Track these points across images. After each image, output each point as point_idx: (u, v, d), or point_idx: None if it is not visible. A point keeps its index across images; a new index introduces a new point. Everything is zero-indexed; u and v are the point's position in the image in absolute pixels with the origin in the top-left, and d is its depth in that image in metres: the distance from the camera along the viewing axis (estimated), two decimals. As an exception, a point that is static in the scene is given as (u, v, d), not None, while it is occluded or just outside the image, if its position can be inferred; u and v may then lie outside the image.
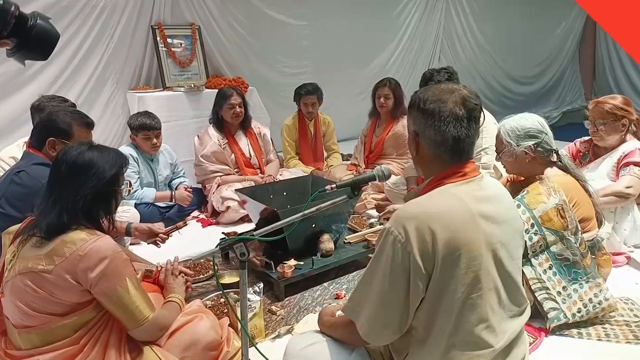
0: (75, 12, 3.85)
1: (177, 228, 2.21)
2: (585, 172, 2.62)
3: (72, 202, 1.34)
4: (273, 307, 2.16)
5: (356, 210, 3.27)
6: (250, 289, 1.93)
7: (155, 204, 3.13)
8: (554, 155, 2.00)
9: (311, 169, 3.92)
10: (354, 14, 5.49)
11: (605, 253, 2.15)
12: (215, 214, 3.33)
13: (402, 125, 3.58)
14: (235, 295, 2.04)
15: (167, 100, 3.94)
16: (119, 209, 1.77)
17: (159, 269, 1.85)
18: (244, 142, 3.54)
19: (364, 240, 2.66)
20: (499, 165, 2.58)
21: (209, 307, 2.04)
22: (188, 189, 3.27)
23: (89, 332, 1.35)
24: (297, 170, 3.77)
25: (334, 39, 5.41)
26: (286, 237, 2.23)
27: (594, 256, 2.03)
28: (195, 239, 2.92)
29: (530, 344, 1.81)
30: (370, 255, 2.64)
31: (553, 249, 1.90)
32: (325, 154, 4.19)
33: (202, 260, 2.59)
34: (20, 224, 1.43)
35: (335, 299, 2.26)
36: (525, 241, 1.83)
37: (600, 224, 2.11)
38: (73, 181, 1.36)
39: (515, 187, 2.06)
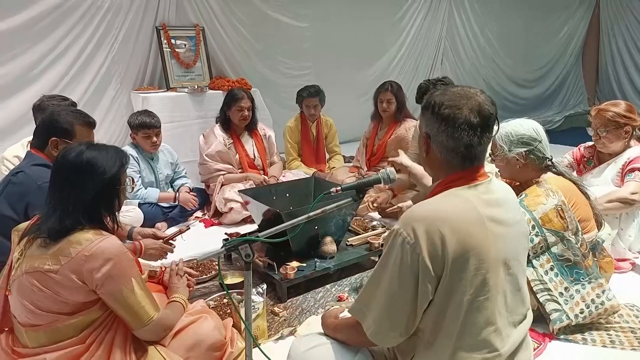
0: (80, 13, 3.87)
1: (181, 232, 2.21)
2: (590, 177, 2.62)
3: (73, 205, 1.34)
4: (275, 309, 2.17)
5: (358, 213, 3.27)
6: (254, 290, 1.93)
7: (159, 204, 3.14)
8: (547, 162, 1.98)
9: (313, 170, 3.93)
10: (356, 16, 5.51)
11: (607, 255, 2.15)
12: (217, 214, 3.34)
13: (404, 129, 3.59)
14: (239, 296, 2.05)
15: (170, 100, 3.96)
16: (123, 208, 1.78)
17: (163, 269, 1.86)
18: (249, 144, 3.57)
19: (366, 243, 2.67)
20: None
21: (212, 307, 2.05)
22: (192, 193, 3.29)
23: (95, 332, 1.36)
24: (299, 171, 3.78)
25: (336, 41, 5.43)
26: (289, 238, 2.25)
27: (595, 258, 2.04)
28: (198, 239, 2.92)
29: (535, 349, 1.81)
30: (372, 257, 2.65)
31: (554, 249, 1.91)
32: (327, 156, 4.21)
33: (204, 261, 2.60)
34: (28, 222, 1.44)
35: (337, 300, 2.26)
36: (527, 243, 1.84)
37: (599, 225, 2.11)
38: (73, 183, 1.36)
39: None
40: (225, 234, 2.73)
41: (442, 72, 6.42)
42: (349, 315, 1.33)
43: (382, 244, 2.62)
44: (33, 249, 1.34)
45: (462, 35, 6.55)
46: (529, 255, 1.87)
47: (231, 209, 3.22)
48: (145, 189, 3.11)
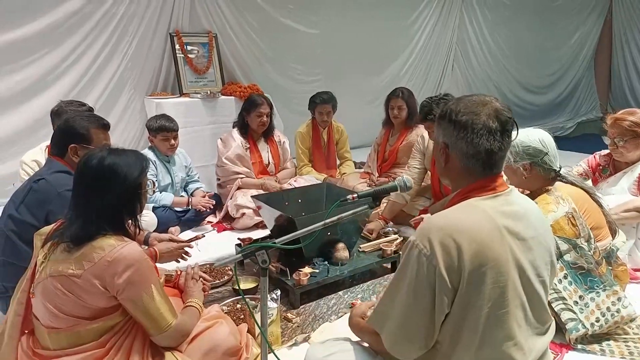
0: (95, 20, 3.93)
1: (197, 238, 2.24)
2: (605, 186, 2.60)
3: (96, 211, 1.36)
4: (289, 315, 2.17)
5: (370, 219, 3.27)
6: (268, 295, 1.94)
7: (173, 208, 3.17)
8: (553, 174, 1.95)
9: (324, 176, 3.94)
10: (367, 23, 5.52)
11: (622, 264, 2.13)
12: (228, 218, 3.36)
13: (416, 135, 3.58)
14: (252, 302, 2.06)
15: (184, 106, 4.00)
16: None
17: (179, 273, 1.87)
18: (264, 150, 3.62)
19: (379, 249, 2.67)
20: None
21: (225, 312, 2.05)
22: (207, 195, 3.32)
23: (114, 337, 1.38)
24: (310, 177, 3.79)
25: (347, 47, 5.44)
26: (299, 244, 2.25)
27: (610, 266, 2.01)
28: (210, 245, 2.94)
29: (553, 360, 1.80)
30: (384, 265, 2.65)
31: (567, 257, 1.89)
32: (337, 162, 4.21)
33: (216, 266, 2.61)
34: (52, 227, 1.46)
35: (350, 308, 2.26)
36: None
37: (614, 233, 2.08)
38: (96, 189, 1.38)
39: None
40: (239, 239, 2.75)
41: (453, 78, 6.41)
42: None
43: (395, 251, 2.62)
44: (57, 253, 1.36)
45: (473, 41, 6.54)
46: None
47: (243, 214, 3.25)
48: (160, 192, 3.14)
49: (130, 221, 1.44)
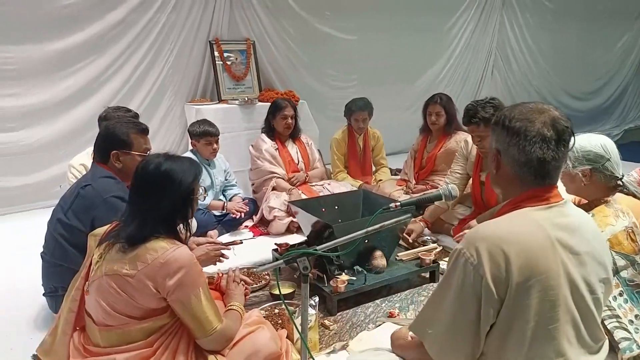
0: (139, 29, 4.08)
1: (235, 243, 2.26)
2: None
3: (151, 214, 1.41)
4: (326, 322, 2.16)
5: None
6: (309, 302, 1.93)
7: (212, 212, 3.23)
8: (615, 182, 1.86)
9: (359, 182, 3.91)
10: (404, 28, 5.48)
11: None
12: (264, 223, 3.38)
13: (455, 141, 3.51)
14: (291, 307, 2.05)
15: (222, 112, 4.08)
16: None
17: (220, 275, 1.90)
18: (293, 150, 3.68)
19: (417, 258, 2.61)
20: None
21: (263, 317, 2.06)
22: (244, 201, 3.37)
23: (162, 337, 1.41)
24: (345, 182, 3.78)
25: (382, 53, 5.42)
26: (340, 251, 2.24)
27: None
28: (246, 249, 2.96)
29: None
30: (422, 274, 2.59)
31: (623, 274, 1.79)
32: (373, 168, 4.18)
33: (254, 270, 2.63)
34: (106, 227, 1.52)
35: (388, 317, 2.22)
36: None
37: None
38: (153, 194, 1.43)
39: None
40: (275, 244, 2.76)
41: (493, 84, 6.27)
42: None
43: (434, 260, 2.57)
44: (112, 253, 1.41)
45: (513, 46, 6.38)
46: None
47: (275, 217, 3.27)
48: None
49: (181, 225, 1.48)
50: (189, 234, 1.51)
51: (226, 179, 3.50)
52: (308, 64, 5.01)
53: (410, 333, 1.38)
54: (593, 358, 1.18)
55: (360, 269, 2.40)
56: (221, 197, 3.44)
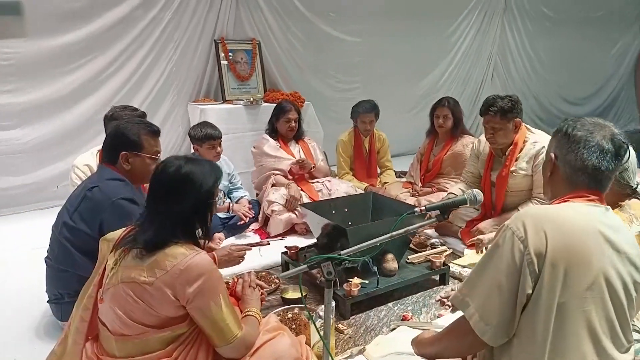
0: (142, 26, 4.03)
1: (261, 244, 2.23)
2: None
3: (170, 218, 1.35)
4: (340, 326, 2.13)
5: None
6: (322, 306, 1.91)
7: (216, 214, 3.18)
8: (629, 191, 1.86)
9: (365, 185, 3.90)
10: (407, 31, 5.49)
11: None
12: (267, 224, 3.35)
13: (461, 145, 3.51)
14: (306, 312, 2.03)
15: (227, 113, 4.04)
16: None
17: (236, 280, 1.86)
18: (295, 149, 3.67)
19: (427, 261, 2.60)
20: None
21: (276, 321, 2.03)
22: (249, 205, 3.32)
23: (181, 346, 1.36)
24: (345, 180, 3.79)
25: (386, 56, 5.43)
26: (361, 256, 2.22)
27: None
28: (253, 252, 2.93)
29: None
30: (433, 277, 2.58)
31: (637, 280, 1.80)
32: (378, 170, 4.17)
33: (263, 273, 2.60)
34: (120, 232, 1.46)
35: (401, 320, 2.21)
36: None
37: None
38: (172, 197, 1.37)
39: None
40: (285, 247, 2.72)
41: (492, 88, 6.30)
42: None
43: (444, 263, 2.56)
44: (128, 259, 1.35)
45: (513, 51, 6.42)
46: None
47: (273, 211, 3.25)
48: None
49: (200, 229, 1.43)
50: (208, 239, 1.46)
51: (231, 182, 3.45)
52: (313, 64, 4.99)
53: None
54: (622, 357, 1.19)
55: (375, 270, 2.38)
56: (226, 199, 3.39)
